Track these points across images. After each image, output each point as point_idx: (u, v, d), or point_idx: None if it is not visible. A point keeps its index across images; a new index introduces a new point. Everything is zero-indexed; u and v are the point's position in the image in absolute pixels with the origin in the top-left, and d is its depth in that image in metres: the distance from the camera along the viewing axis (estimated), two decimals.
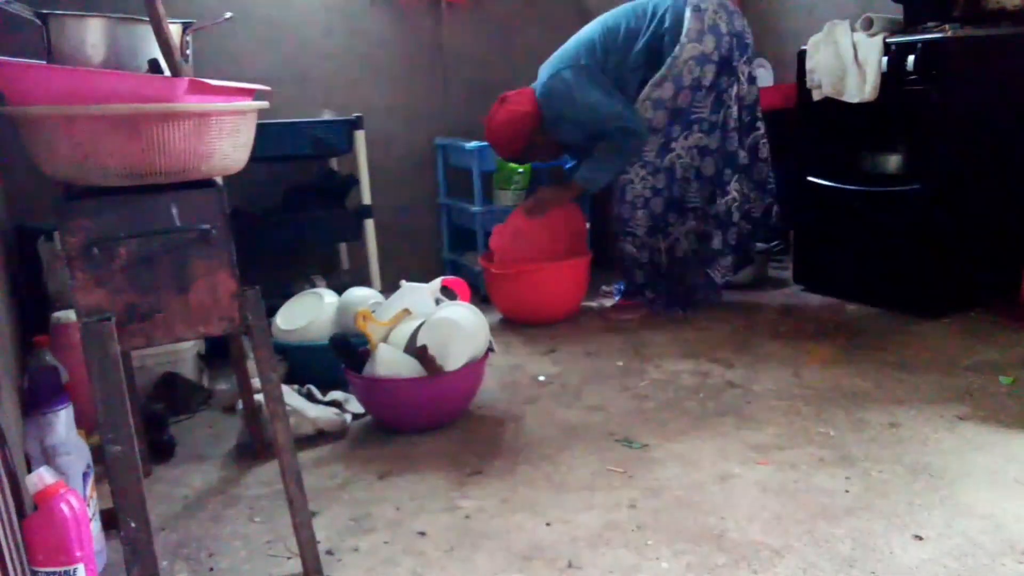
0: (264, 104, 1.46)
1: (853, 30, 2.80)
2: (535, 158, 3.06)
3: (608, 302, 3.13)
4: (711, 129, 2.84)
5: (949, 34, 2.56)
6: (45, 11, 1.34)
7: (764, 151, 2.94)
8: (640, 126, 2.81)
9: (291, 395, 2.15)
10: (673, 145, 2.84)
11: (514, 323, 3.02)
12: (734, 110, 2.85)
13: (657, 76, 2.78)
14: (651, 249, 2.96)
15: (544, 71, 2.92)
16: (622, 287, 3.12)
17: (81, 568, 1.21)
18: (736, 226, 2.92)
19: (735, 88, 2.83)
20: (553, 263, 2.95)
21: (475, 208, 3.23)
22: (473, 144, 3.18)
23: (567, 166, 3.24)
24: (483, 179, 3.24)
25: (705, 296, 3.02)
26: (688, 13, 2.76)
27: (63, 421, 1.47)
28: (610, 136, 2.83)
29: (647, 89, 2.80)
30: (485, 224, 3.23)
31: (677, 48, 2.75)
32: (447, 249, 3.61)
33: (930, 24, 2.64)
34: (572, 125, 2.88)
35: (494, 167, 3.26)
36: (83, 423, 1.60)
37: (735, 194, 2.88)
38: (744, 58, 2.84)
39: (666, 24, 2.78)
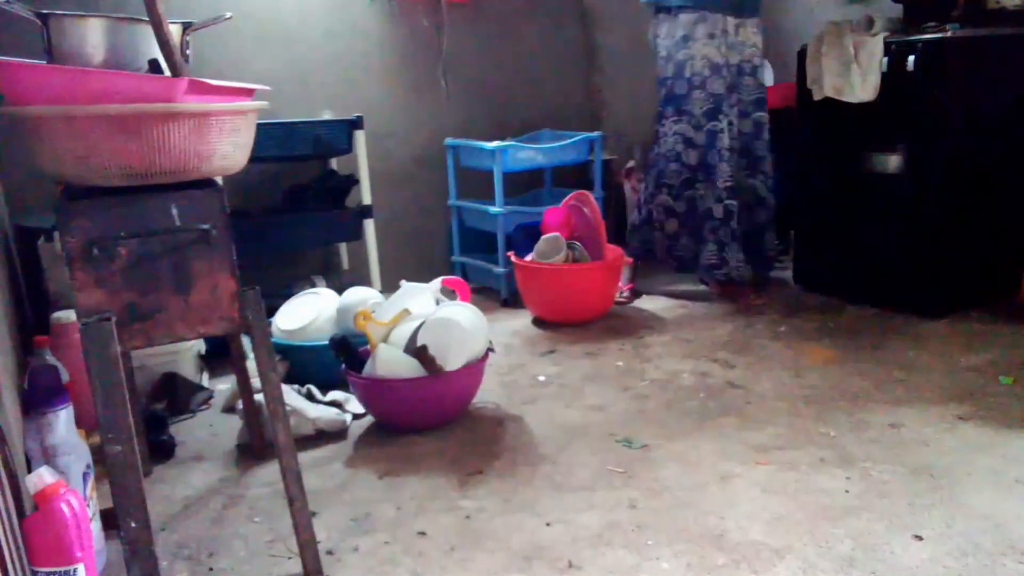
0: (264, 104, 1.46)
1: (853, 30, 2.80)
2: None
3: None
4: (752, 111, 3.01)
5: (949, 34, 2.56)
6: (45, 11, 1.33)
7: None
8: None
9: (291, 395, 2.15)
10: (720, 116, 2.91)
11: (544, 323, 3.00)
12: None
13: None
14: (665, 207, 3.06)
15: None
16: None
17: (81, 568, 1.21)
18: (769, 200, 3.09)
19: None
20: (588, 263, 2.97)
21: (495, 209, 3.18)
22: (494, 144, 3.14)
23: None
24: (504, 180, 3.16)
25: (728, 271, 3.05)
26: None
27: (63, 421, 1.47)
28: None
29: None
30: (507, 226, 3.21)
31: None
32: (457, 252, 3.57)
33: (930, 24, 2.65)
34: None
35: (516, 167, 3.20)
36: (83, 423, 1.59)
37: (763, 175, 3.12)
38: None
39: None
